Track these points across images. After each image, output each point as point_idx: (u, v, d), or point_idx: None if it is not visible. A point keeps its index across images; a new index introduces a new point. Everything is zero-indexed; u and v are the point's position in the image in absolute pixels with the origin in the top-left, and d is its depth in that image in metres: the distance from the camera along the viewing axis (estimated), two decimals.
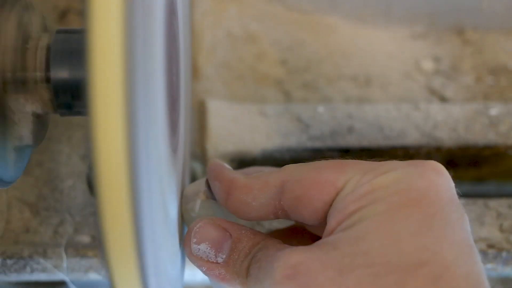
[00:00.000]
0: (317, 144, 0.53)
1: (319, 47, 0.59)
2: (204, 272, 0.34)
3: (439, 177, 0.31)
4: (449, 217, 0.30)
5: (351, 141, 0.53)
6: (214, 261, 0.33)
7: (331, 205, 0.32)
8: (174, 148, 0.36)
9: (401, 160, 0.32)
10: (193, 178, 0.52)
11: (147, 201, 0.28)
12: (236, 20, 0.60)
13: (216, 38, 0.59)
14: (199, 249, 0.33)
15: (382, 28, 0.60)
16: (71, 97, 0.36)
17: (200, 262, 0.33)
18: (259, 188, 0.34)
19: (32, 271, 0.46)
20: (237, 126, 0.53)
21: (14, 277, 0.47)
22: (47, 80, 0.36)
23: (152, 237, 0.29)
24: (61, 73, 0.36)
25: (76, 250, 0.47)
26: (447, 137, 0.53)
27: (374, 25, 0.60)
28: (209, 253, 0.33)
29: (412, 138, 0.53)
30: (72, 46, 0.36)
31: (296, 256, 0.30)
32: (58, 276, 0.47)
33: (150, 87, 0.29)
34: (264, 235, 0.33)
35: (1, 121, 0.36)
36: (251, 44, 0.59)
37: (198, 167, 0.53)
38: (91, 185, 0.49)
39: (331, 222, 0.31)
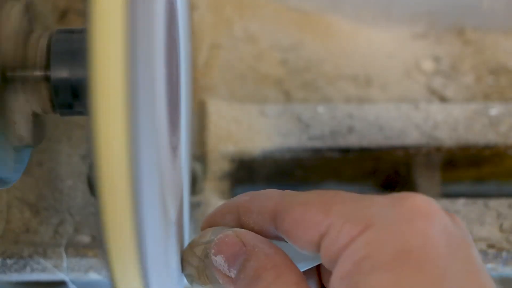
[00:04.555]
0: (317, 144, 0.53)
1: (319, 47, 0.59)
2: (221, 284, 0.33)
3: (431, 224, 0.29)
4: (454, 270, 0.29)
5: (351, 141, 0.53)
6: (227, 275, 0.32)
7: (318, 244, 0.31)
8: (174, 148, 0.36)
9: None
10: (193, 178, 0.52)
11: (149, 201, 0.28)
12: (236, 20, 0.60)
13: (216, 38, 0.59)
14: (216, 260, 0.33)
15: (382, 28, 0.60)
16: (71, 97, 0.36)
17: (218, 273, 0.33)
18: (257, 210, 0.33)
19: (32, 271, 0.46)
20: (237, 126, 0.53)
21: (14, 277, 0.47)
22: (47, 80, 0.36)
23: (153, 237, 0.29)
24: (61, 73, 0.36)
25: (76, 250, 0.47)
26: (447, 137, 0.53)
27: (374, 25, 0.60)
28: (223, 265, 0.32)
29: (412, 138, 0.53)
30: (72, 46, 0.36)
31: None
32: (58, 276, 0.47)
33: (152, 87, 0.29)
34: (280, 259, 0.32)
35: (1, 121, 0.36)
36: (251, 44, 0.59)
37: (198, 167, 0.53)
38: (91, 185, 0.49)
39: (335, 286, 0.30)
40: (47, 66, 0.36)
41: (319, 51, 0.59)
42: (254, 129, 0.53)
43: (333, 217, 0.30)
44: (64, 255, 0.47)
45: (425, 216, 0.29)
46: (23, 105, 0.37)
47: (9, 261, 0.46)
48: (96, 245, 0.47)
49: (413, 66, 0.59)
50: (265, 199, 0.33)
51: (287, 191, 0.33)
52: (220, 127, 0.53)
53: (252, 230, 0.33)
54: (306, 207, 0.31)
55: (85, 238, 0.48)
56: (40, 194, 0.49)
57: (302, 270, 0.33)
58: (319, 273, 0.35)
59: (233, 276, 0.32)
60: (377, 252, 0.29)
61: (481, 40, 0.60)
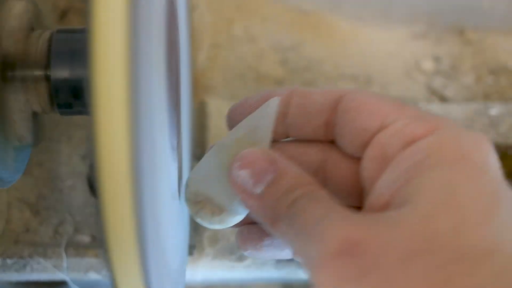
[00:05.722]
0: None
1: (319, 47, 0.59)
2: (241, 200, 0.32)
3: (492, 150, 0.30)
4: (508, 195, 0.29)
5: None
6: (250, 192, 0.31)
7: (373, 135, 0.31)
8: (174, 148, 0.36)
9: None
10: None
11: (149, 201, 0.28)
12: (236, 20, 0.60)
13: (216, 38, 0.59)
14: (239, 175, 0.31)
15: (382, 28, 0.60)
16: (71, 96, 0.36)
17: (238, 188, 0.31)
18: (320, 93, 0.33)
19: (32, 271, 0.46)
20: None
21: (14, 277, 0.47)
22: (47, 79, 0.36)
23: (154, 236, 0.29)
24: (61, 72, 0.36)
25: (76, 250, 0.47)
26: None
27: (374, 25, 0.60)
28: (248, 181, 0.31)
29: None
30: (72, 45, 0.36)
31: (354, 231, 0.27)
32: (58, 276, 0.47)
33: (153, 86, 0.29)
34: (312, 179, 0.30)
35: (1, 120, 0.36)
36: (251, 44, 0.59)
37: None
38: (91, 185, 0.49)
39: (382, 186, 0.29)
40: (47, 66, 0.36)
41: (319, 51, 0.59)
42: None
43: (403, 113, 0.31)
44: (64, 255, 0.47)
45: (488, 144, 0.30)
46: (23, 105, 0.37)
47: (9, 261, 0.46)
48: (96, 245, 0.47)
49: (413, 66, 0.59)
50: (329, 89, 0.33)
51: None
52: (220, 127, 0.53)
53: (304, 110, 0.33)
54: (379, 97, 0.32)
55: (85, 238, 0.48)
56: (40, 194, 0.49)
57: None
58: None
59: (258, 192, 0.31)
60: (438, 154, 0.29)
61: (481, 40, 0.60)
